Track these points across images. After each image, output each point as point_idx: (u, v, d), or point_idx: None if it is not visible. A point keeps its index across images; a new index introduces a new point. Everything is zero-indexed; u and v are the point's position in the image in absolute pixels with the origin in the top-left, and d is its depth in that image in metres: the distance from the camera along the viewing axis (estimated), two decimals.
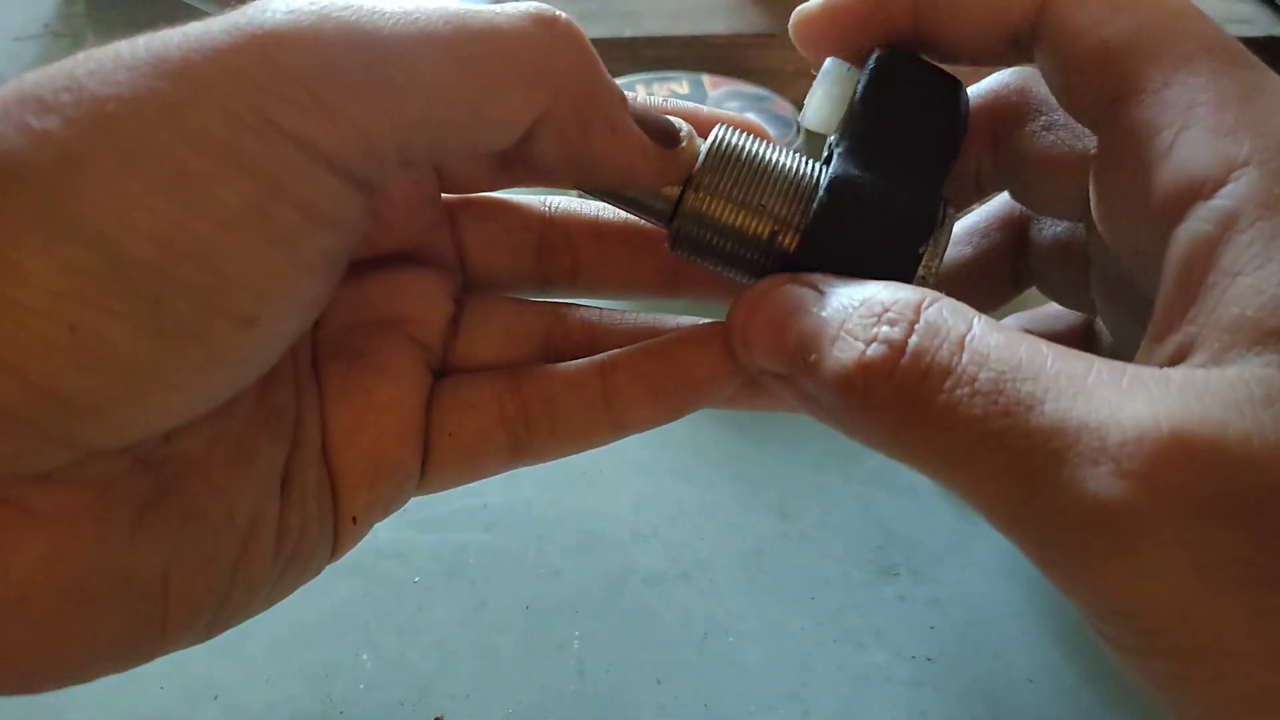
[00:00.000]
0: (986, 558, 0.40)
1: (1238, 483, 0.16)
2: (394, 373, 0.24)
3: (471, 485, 0.26)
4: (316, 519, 0.23)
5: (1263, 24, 0.66)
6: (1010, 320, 0.31)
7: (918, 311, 0.19)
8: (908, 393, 0.19)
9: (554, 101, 0.21)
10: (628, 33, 0.63)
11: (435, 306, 0.26)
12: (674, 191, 0.24)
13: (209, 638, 0.22)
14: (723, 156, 0.23)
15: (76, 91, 0.17)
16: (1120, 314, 0.26)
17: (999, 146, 0.25)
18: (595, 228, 0.27)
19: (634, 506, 0.42)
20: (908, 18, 0.23)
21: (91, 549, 0.19)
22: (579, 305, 0.27)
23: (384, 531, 0.27)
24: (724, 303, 0.24)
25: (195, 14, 0.19)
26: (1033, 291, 0.30)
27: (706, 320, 0.26)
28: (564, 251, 0.27)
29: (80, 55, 0.18)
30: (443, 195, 0.27)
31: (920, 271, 0.22)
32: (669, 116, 0.24)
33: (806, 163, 0.24)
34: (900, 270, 0.22)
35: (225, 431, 0.21)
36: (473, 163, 0.26)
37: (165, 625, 0.20)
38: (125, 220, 0.17)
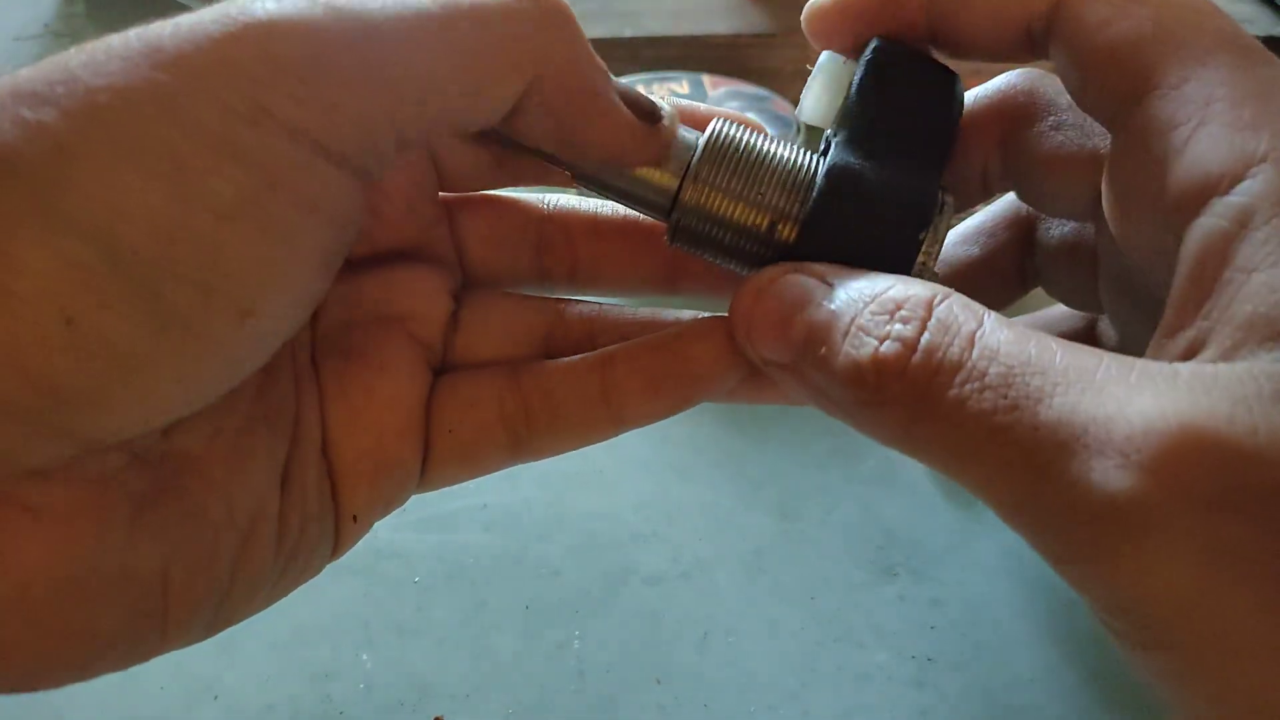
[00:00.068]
0: (986, 558, 0.40)
1: (1245, 477, 0.16)
2: (394, 370, 0.24)
3: (471, 485, 0.26)
4: (317, 516, 0.23)
5: (1263, 24, 0.66)
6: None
7: (930, 308, 0.19)
8: (919, 388, 0.19)
9: (541, 73, 0.21)
10: (628, 33, 0.63)
11: (435, 304, 0.26)
12: (673, 184, 0.24)
13: (209, 636, 0.22)
14: (720, 148, 0.23)
15: (70, 84, 0.17)
16: (1128, 314, 0.26)
17: (1007, 146, 0.25)
18: (594, 224, 0.27)
19: (634, 506, 0.41)
20: (921, 12, 0.23)
21: (91, 546, 0.18)
22: (578, 301, 0.27)
23: (384, 531, 0.27)
24: (723, 299, 0.24)
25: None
26: (1034, 294, 0.30)
27: (706, 315, 0.26)
28: (563, 248, 0.27)
29: (74, 49, 0.18)
30: (441, 194, 0.27)
31: (920, 258, 0.22)
32: (651, 98, 0.24)
33: (804, 154, 0.24)
34: (901, 257, 0.22)
35: (224, 428, 0.21)
36: (472, 161, 0.26)
37: (165, 623, 0.20)
38: (120, 212, 0.17)
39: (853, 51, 0.24)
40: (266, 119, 0.18)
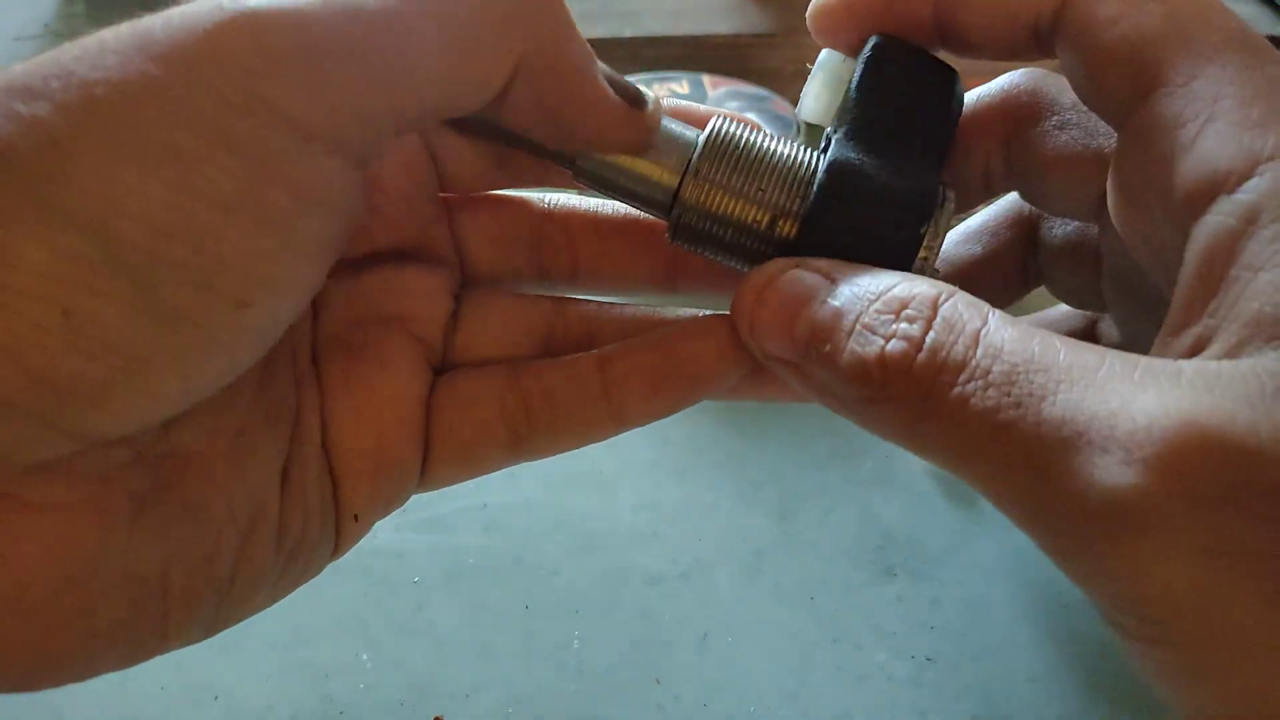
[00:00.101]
0: (986, 558, 0.40)
1: (1248, 474, 0.16)
2: (394, 369, 0.24)
3: (471, 485, 0.26)
4: (318, 515, 0.23)
5: (1263, 24, 0.66)
6: None
7: (935, 307, 0.20)
8: (924, 387, 0.19)
9: (528, 50, 0.21)
10: (628, 33, 0.63)
11: (435, 303, 0.26)
12: (673, 181, 0.24)
13: (210, 635, 0.22)
14: (721, 145, 0.23)
15: (65, 78, 0.17)
16: (1131, 313, 0.26)
17: (1010, 146, 0.25)
18: (594, 223, 0.27)
19: (634, 507, 0.41)
20: (928, 10, 0.23)
21: (91, 542, 0.18)
22: (578, 300, 0.27)
23: (384, 531, 0.27)
24: (724, 297, 0.24)
25: None
26: (1036, 294, 0.30)
27: (707, 313, 0.26)
28: (563, 247, 0.27)
29: (68, 44, 0.18)
30: (441, 194, 0.27)
31: (922, 253, 0.22)
32: (638, 86, 0.24)
33: (805, 150, 0.24)
34: (902, 252, 0.22)
35: (224, 426, 0.21)
36: (472, 161, 0.26)
37: (165, 622, 0.20)
38: (116, 203, 0.17)
39: (856, 49, 0.24)
40: (262, 108, 0.18)
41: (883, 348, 0.19)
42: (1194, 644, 0.16)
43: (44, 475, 0.18)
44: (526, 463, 0.26)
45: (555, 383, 0.25)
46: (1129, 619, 0.17)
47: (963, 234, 0.29)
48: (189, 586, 0.20)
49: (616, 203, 0.26)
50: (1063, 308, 0.30)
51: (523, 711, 0.34)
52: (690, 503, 0.42)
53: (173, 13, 0.18)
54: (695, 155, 0.23)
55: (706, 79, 0.56)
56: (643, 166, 0.24)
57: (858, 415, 0.21)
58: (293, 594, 0.24)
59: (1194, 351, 0.18)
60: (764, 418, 0.45)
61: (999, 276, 0.29)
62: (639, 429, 0.25)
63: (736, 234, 0.24)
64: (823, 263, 0.22)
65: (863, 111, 0.23)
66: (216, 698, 0.34)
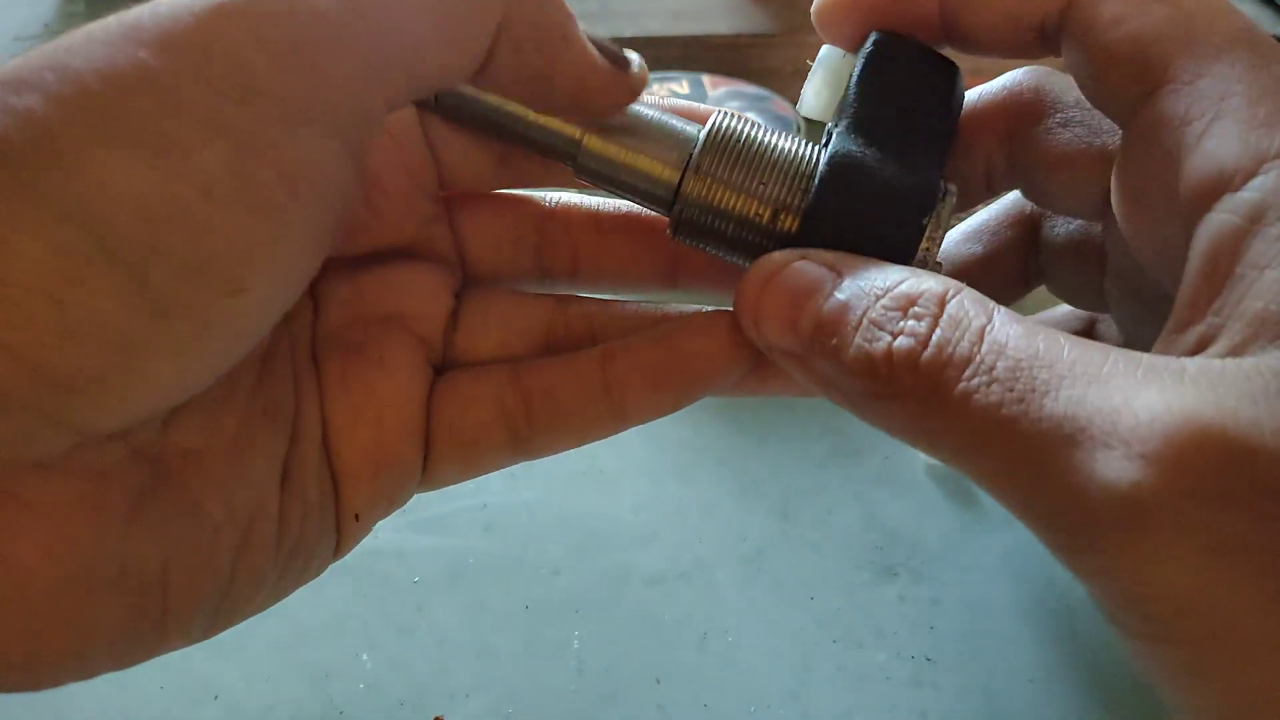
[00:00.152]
0: (986, 558, 0.40)
1: (1251, 472, 0.16)
2: (394, 367, 0.24)
3: (471, 485, 0.26)
4: (318, 514, 0.23)
5: (1263, 24, 0.66)
6: None
7: (942, 304, 0.20)
8: (929, 383, 0.19)
9: (509, 10, 0.21)
10: (628, 33, 0.63)
11: (435, 301, 0.26)
12: (674, 176, 0.24)
13: (210, 634, 0.22)
14: (721, 140, 0.23)
15: (58, 70, 0.17)
16: (1133, 312, 0.26)
17: (1013, 143, 0.25)
18: (595, 220, 0.27)
19: (634, 507, 0.41)
20: (934, 6, 0.23)
21: (89, 540, 0.18)
22: (579, 298, 0.27)
23: (384, 531, 0.27)
24: (725, 294, 0.24)
25: None
26: (1036, 294, 0.30)
27: (709, 309, 0.25)
28: (563, 245, 0.27)
29: (60, 38, 0.17)
30: (441, 192, 0.27)
31: (924, 245, 0.22)
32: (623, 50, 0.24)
33: (805, 145, 0.24)
34: (904, 245, 0.22)
35: (222, 423, 0.21)
36: (472, 159, 0.26)
37: (165, 620, 0.20)
38: (108, 193, 0.17)
39: (859, 46, 0.24)
40: (252, 94, 0.17)
41: (890, 344, 0.19)
42: (1196, 642, 0.16)
43: (42, 471, 0.18)
44: (527, 462, 0.26)
45: (556, 381, 0.25)
46: (1131, 617, 0.17)
47: (964, 233, 0.29)
48: (188, 585, 0.20)
49: (617, 200, 0.26)
50: (1063, 308, 0.30)
51: (523, 711, 0.34)
52: (691, 502, 0.42)
53: (160, 1, 0.18)
54: (696, 150, 0.23)
55: (706, 79, 0.56)
56: (644, 162, 0.24)
57: (862, 409, 0.21)
58: (293, 594, 0.24)
59: (1198, 349, 0.18)
60: (764, 417, 0.45)
61: (1000, 275, 0.29)
62: (640, 428, 0.25)
63: (738, 229, 0.24)
64: (827, 255, 0.22)
65: (863, 106, 0.23)
66: (216, 698, 0.34)
